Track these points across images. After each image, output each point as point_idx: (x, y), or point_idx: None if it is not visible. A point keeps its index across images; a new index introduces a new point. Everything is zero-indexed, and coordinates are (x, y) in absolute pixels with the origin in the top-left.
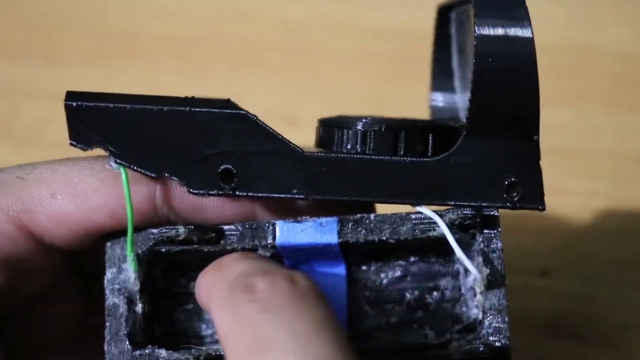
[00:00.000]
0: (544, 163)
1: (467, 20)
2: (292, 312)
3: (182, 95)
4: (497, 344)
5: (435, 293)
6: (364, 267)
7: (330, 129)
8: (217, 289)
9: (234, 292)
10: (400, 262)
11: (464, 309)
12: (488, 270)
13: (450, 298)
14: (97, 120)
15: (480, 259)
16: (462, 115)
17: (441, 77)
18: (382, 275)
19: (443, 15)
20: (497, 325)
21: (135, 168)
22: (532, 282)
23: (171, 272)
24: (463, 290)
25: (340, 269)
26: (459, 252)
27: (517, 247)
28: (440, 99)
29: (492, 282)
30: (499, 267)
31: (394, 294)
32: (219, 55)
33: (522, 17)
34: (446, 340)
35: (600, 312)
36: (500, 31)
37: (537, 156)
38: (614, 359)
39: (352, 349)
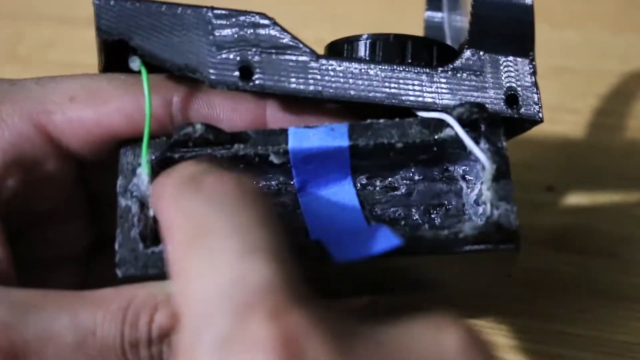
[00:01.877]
0: (550, 82)
1: None
2: (235, 204)
3: None
4: (508, 225)
5: (439, 209)
6: (370, 188)
7: (340, 44)
8: (167, 186)
9: (182, 186)
10: (405, 181)
11: (467, 221)
12: (496, 164)
13: (454, 214)
14: (122, 16)
15: (488, 154)
16: (449, 38)
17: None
18: (389, 194)
19: None
20: (506, 209)
21: (159, 60)
22: (537, 197)
23: None
24: (467, 207)
25: (349, 187)
26: (468, 141)
27: (523, 163)
28: (432, 19)
29: (499, 174)
30: (505, 160)
31: (401, 211)
32: None
33: None
34: (459, 230)
35: (605, 225)
36: None
37: (534, 71)
38: (617, 271)
39: (289, 246)
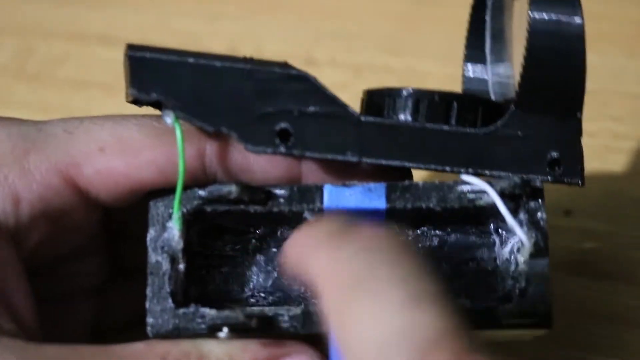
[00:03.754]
0: None
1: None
2: (392, 254)
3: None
4: (542, 310)
5: (471, 263)
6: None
7: (381, 97)
8: (314, 237)
9: (334, 235)
10: (437, 232)
11: (499, 279)
12: (534, 239)
13: (485, 269)
14: (158, 72)
15: (526, 229)
16: (492, 90)
17: (474, 48)
18: (419, 245)
19: None
20: (541, 288)
21: (194, 121)
22: (555, 222)
23: (207, 235)
24: (498, 262)
25: None
26: (510, 219)
27: None
28: (472, 71)
29: (537, 252)
30: (544, 235)
31: (432, 264)
32: None
33: (574, 3)
34: (494, 307)
35: (624, 250)
36: (553, 16)
37: (579, 133)
38: (637, 296)
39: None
